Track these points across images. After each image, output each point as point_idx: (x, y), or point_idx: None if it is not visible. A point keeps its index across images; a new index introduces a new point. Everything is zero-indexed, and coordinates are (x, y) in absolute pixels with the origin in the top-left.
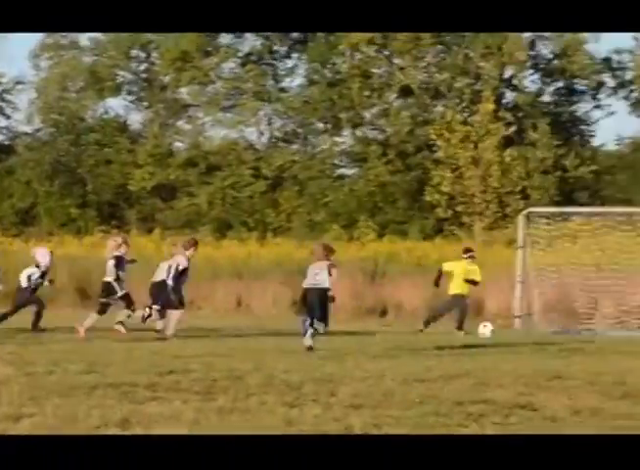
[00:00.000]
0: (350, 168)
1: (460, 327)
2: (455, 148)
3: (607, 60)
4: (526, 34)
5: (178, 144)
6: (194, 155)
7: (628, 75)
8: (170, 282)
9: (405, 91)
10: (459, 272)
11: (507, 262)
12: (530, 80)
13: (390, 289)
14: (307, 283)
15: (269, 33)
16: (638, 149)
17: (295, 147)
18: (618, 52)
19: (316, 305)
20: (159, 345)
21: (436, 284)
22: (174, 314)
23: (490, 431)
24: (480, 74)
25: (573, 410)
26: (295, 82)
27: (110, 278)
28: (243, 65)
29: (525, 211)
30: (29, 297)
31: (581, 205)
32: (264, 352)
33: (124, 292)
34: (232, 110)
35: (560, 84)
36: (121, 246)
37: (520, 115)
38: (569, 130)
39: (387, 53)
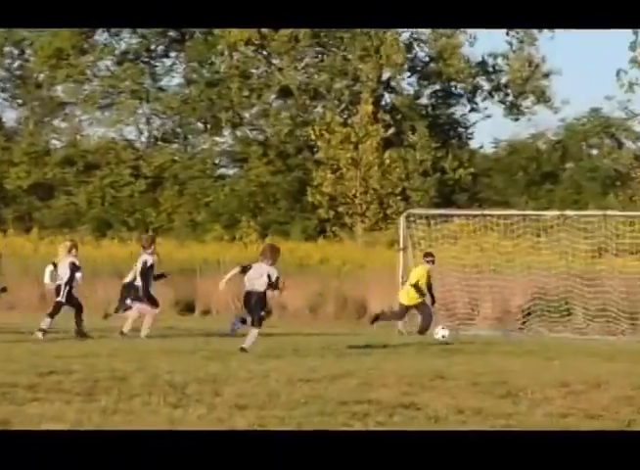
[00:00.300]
0: (231, 168)
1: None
2: (335, 149)
3: (482, 63)
4: (404, 36)
5: (55, 142)
6: (71, 153)
7: (503, 79)
8: (139, 282)
9: (284, 92)
10: (422, 280)
11: (389, 264)
12: (408, 83)
13: None
14: (248, 287)
15: (147, 31)
16: (514, 152)
17: (174, 146)
18: (493, 56)
19: (253, 308)
20: (39, 345)
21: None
22: (149, 315)
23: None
24: (359, 76)
25: (457, 410)
26: (173, 81)
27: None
28: (119, 63)
29: (405, 213)
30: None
31: (460, 206)
32: (148, 352)
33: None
34: (110, 108)
35: (437, 87)
36: (72, 250)
37: (398, 117)
38: (446, 133)
39: (265, 53)
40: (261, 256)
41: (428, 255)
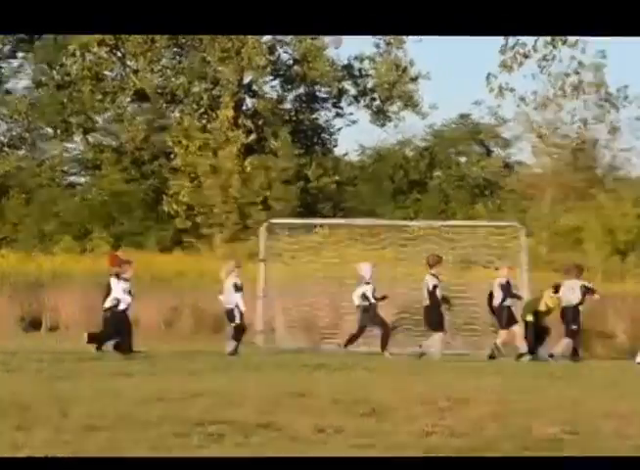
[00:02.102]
0: (82, 176)
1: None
2: (193, 156)
3: (348, 66)
4: (265, 38)
5: None
6: None
7: (370, 83)
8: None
9: (140, 95)
10: None
11: (248, 276)
12: (271, 86)
13: None
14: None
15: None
16: (380, 159)
17: (21, 153)
18: (360, 59)
19: None
20: None
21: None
22: None
23: (232, 452)
24: (219, 79)
25: (317, 429)
26: (20, 84)
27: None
28: None
29: (266, 223)
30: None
31: (324, 216)
32: None
33: None
34: None
35: (301, 91)
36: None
37: (260, 122)
38: (310, 139)
39: (119, 54)
40: None
41: None
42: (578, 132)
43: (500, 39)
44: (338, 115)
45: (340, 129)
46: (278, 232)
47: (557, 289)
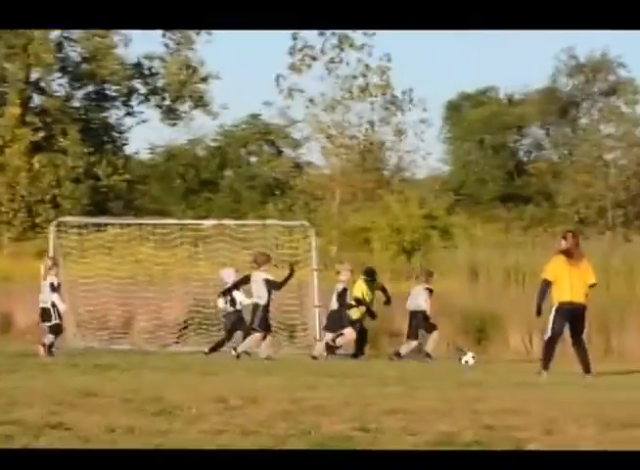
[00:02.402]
0: None
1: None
2: None
3: (138, 65)
4: (54, 35)
5: None
6: None
7: (160, 82)
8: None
9: None
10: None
11: (37, 275)
12: (59, 84)
13: None
14: None
15: None
16: (171, 158)
17: None
18: (150, 58)
19: None
20: None
21: None
22: None
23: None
24: (5, 76)
25: (108, 428)
26: None
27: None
28: None
29: (55, 221)
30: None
31: (115, 215)
32: None
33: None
34: None
35: (90, 89)
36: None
37: (48, 120)
38: (100, 137)
39: None
40: None
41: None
42: (366, 134)
43: (289, 41)
44: (128, 113)
45: (130, 128)
46: (68, 231)
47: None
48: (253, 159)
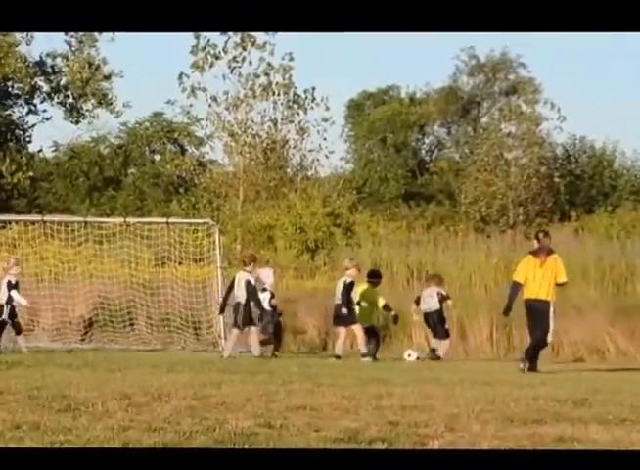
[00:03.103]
0: None
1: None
2: None
3: (41, 63)
4: None
5: None
6: None
7: (63, 80)
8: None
9: None
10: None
11: None
12: None
13: None
14: None
15: None
16: (75, 156)
17: None
18: (52, 56)
19: None
20: None
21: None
22: None
23: None
24: None
25: (14, 425)
26: None
27: None
28: None
29: None
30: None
31: (19, 212)
32: None
33: None
34: None
35: None
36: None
37: None
38: (4, 135)
39: None
40: None
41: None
42: (269, 132)
43: (191, 39)
44: (31, 111)
45: (34, 126)
46: None
47: (417, 301)
48: (157, 157)
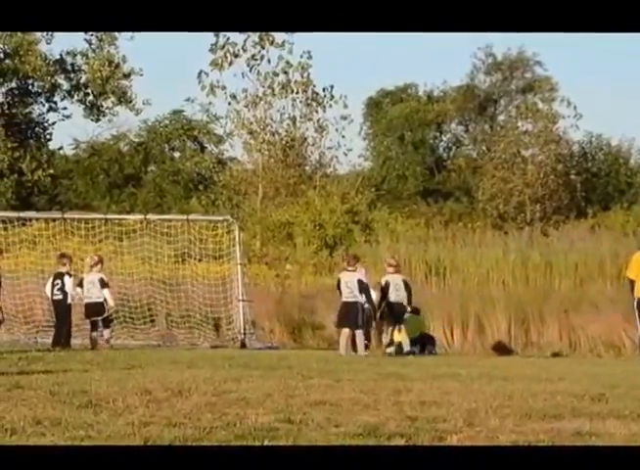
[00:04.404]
0: None
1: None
2: None
3: (61, 61)
4: None
5: None
6: None
7: (83, 78)
8: None
9: None
10: None
11: None
12: None
13: None
14: None
15: None
16: (95, 153)
17: None
18: (72, 54)
19: None
20: None
21: None
22: None
23: None
24: None
25: (35, 421)
26: None
27: None
28: None
29: None
30: None
31: (40, 209)
32: None
33: None
34: None
35: (13, 85)
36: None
37: None
38: (24, 132)
39: None
40: None
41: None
42: (288, 130)
43: (211, 37)
44: (51, 109)
45: (54, 123)
46: None
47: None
48: (177, 154)
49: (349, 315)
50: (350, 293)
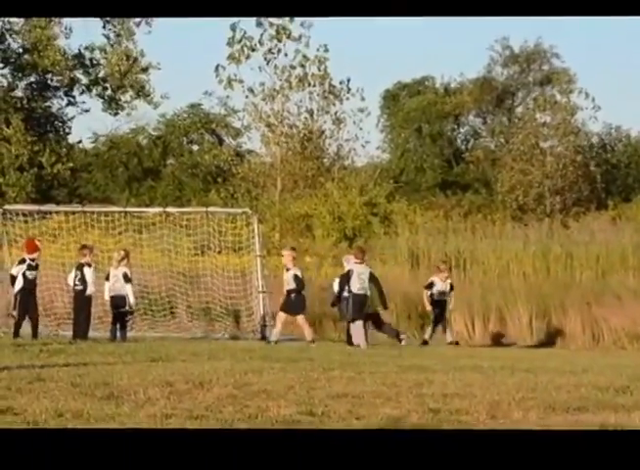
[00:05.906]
0: None
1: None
2: None
3: (79, 56)
4: None
5: None
6: None
7: (101, 72)
8: None
9: None
10: None
11: None
12: (1, 74)
13: None
14: None
15: None
16: (114, 147)
17: None
18: (90, 49)
19: None
20: None
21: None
22: None
23: None
24: None
25: (57, 413)
26: None
27: None
28: None
29: (0, 209)
30: None
31: (60, 202)
32: None
33: None
34: None
35: (32, 79)
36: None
37: None
38: (43, 126)
39: None
40: None
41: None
42: (305, 123)
43: (228, 31)
44: (70, 103)
45: (73, 117)
46: (13, 218)
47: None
48: (195, 147)
49: (361, 308)
50: (363, 285)
